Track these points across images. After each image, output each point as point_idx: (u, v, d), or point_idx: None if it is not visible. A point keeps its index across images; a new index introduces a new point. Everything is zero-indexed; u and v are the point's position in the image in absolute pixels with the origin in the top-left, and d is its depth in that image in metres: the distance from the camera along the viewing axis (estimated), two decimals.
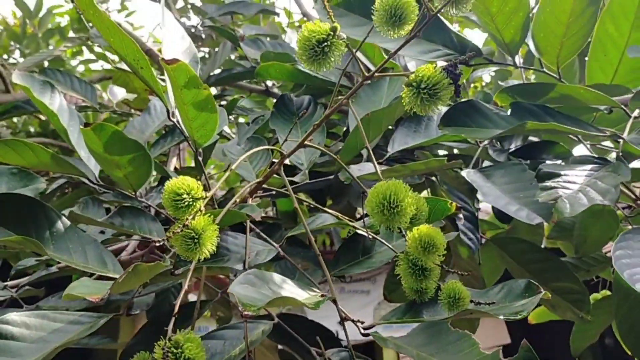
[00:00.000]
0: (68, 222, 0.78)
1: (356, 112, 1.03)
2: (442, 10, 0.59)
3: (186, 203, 0.57)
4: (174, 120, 0.86)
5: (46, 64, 3.58)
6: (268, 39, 1.54)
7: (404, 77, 0.61)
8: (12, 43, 4.09)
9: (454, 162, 0.89)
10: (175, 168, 1.53)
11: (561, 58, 0.94)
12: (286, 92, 1.32)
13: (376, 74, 0.62)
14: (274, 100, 1.13)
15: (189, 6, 3.44)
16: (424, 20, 0.62)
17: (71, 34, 4.10)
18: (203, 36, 3.18)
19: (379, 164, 0.97)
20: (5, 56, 4.02)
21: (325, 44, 0.56)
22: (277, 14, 1.73)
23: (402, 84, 0.59)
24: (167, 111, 0.85)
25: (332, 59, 0.57)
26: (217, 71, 1.56)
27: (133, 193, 0.93)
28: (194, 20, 3.83)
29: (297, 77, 1.11)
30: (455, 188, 1.04)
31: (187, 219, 0.57)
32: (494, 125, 0.81)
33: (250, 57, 1.46)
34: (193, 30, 3.22)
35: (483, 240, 1.31)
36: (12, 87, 3.95)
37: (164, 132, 1.22)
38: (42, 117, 3.88)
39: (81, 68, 4.19)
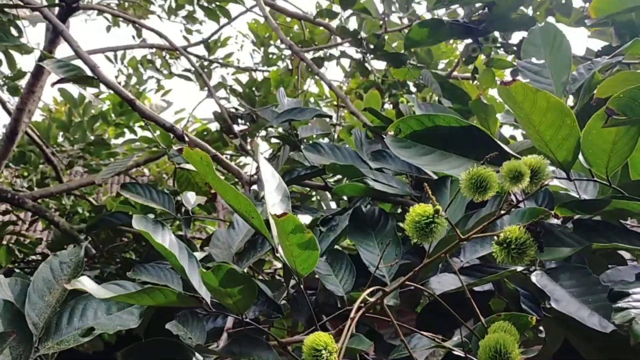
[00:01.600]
0: (201, 357, 0.91)
1: None
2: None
3: (325, 357, 0.69)
4: (279, 255, 0.99)
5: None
6: (326, 139, 1.69)
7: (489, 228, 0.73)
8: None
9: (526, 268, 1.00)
10: None
11: (610, 169, 1.05)
12: (350, 193, 1.45)
13: (473, 236, 0.75)
14: (349, 212, 1.26)
15: (228, 89, 3.66)
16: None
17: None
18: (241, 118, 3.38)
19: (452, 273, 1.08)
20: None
21: (432, 225, 0.69)
22: (331, 117, 1.89)
23: (493, 243, 0.72)
24: (272, 249, 0.99)
25: (438, 234, 0.70)
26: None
27: (240, 316, 1.06)
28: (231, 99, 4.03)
29: (369, 192, 1.25)
30: (523, 287, 1.15)
31: None
32: (562, 244, 0.92)
33: (311, 162, 1.61)
34: (234, 111, 3.43)
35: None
36: (62, 174, 4.19)
37: (248, 241, 1.35)
38: (93, 201, 4.09)
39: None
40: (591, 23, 1.61)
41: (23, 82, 4.43)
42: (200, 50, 4.57)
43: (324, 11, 2.11)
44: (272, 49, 4.50)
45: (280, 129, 1.76)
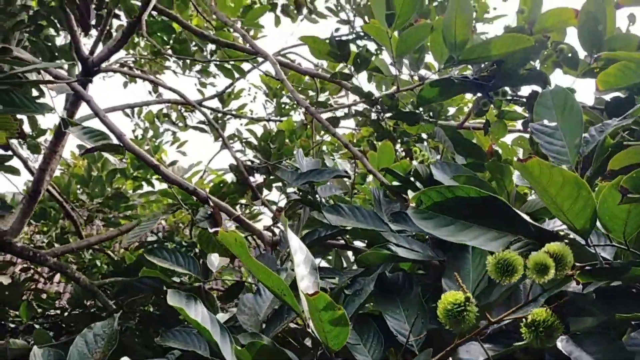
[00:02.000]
0: None
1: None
2: None
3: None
4: (310, 330, 1.02)
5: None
6: (344, 195, 1.73)
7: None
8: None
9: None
10: None
11: (627, 234, 1.08)
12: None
13: (501, 322, 0.78)
14: (374, 277, 1.29)
15: (243, 142, 3.75)
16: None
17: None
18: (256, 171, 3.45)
19: (483, 341, 1.11)
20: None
21: (465, 313, 0.73)
22: (349, 177, 1.94)
23: (522, 325, 0.75)
24: (304, 324, 1.02)
25: (469, 321, 0.74)
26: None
27: None
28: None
29: (393, 259, 1.29)
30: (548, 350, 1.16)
31: None
32: (586, 314, 0.95)
33: (332, 223, 1.65)
34: (249, 163, 3.51)
35: None
36: (82, 229, 4.26)
37: (275, 309, 1.38)
38: (112, 254, 4.14)
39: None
40: (599, 94, 1.67)
41: (42, 139, 4.58)
42: (214, 102, 4.70)
43: (337, 74, 2.19)
44: (284, 99, 4.62)
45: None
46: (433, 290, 1.37)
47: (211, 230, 0.97)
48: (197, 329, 1.09)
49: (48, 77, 2.24)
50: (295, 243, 1.14)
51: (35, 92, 3.54)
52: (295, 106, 4.49)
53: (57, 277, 5.57)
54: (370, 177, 3.00)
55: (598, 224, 1.11)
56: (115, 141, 2.25)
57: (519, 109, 2.38)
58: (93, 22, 2.55)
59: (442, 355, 0.81)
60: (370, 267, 1.47)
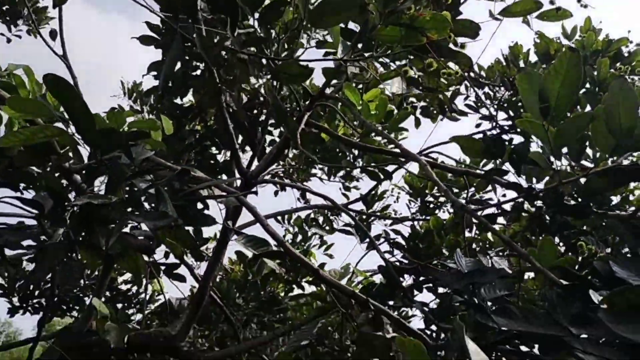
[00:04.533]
0: None
1: None
2: None
3: None
4: None
5: None
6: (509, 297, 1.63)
7: None
8: None
9: None
10: None
11: None
12: None
13: None
14: None
15: (391, 242, 3.77)
16: None
17: None
18: None
19: None
20: None
21: None
22: (515, 277, 1.84)
23: None
24: None
25: None
26: None
27: None
28: None
29: None
30: None
31: None
32: None
33: (501, 326, 1.55)
34: (398, 265, 3.46)
35: None
36: (240, 332, 4.41)
37: None
38: (266, 359, 4.21)
39: None
40: None
41: (204, 247, 4.97)
42: (359, 206, 4.83)
43: (493, 170, 2.15)
44: (428, 198, 4.60)
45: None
46: None
47: (388, 336, 0.95)
48: None
49: (217, 192, 2.47)
50: (473, 347, 1.08)
51: (199, 205, 3.91)
52: (440, 204, 4.45)
53: None
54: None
55: None
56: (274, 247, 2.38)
57: None
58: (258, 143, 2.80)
59: None
60: None
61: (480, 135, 2.54)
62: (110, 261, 2.26)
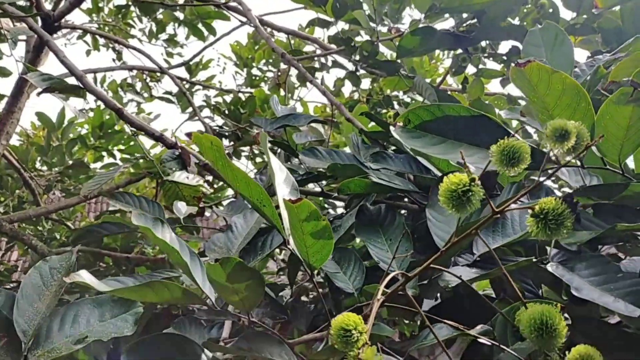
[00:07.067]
0: (210, 354, 0.85)
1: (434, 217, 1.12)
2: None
3: (355, 338, 0.64)
4: (290, 247, 0.94)
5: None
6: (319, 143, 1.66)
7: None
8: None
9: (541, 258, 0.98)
10: None
11: (622, 156, 1.04)
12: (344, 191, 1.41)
13: (505, 210, 0.71)
14: (355, 212, 1.22)
15: (211, 108, 3.63)
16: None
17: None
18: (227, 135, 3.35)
19: (467, 266, 1.05)
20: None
21: (469, 194, 0.66)
22: (325, 122, 1.86)
23: (528, 217, 0.68)
24: (284, 240, 0.94)
25: (474, 204, 0.67)
26: None
27: (247, 316, 1.00)
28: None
29: (373, 188, 1.22)
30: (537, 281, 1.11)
31: (358, 352, 0.64)
32: (583, 228, 0.90)
33: (308, 167, 1.57)
34: (218, 129, 3.39)
35: None
36: (40, 198, 4.07)
37: (247, 245, 1.30)
38: (71, 225, 3.97)
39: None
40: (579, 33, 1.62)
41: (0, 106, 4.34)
42: (181, 73, 4.54)
43: (315, 20, 2.10)
44: (254, 71, 4.50)
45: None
46: (414, 230, 1.31)
47: (185, 135, 0.87)
48: (164, 250, 0.99)
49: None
50: (276, 164, 1.05)
51: None
52: (265, 77, 4.39)
53: (15, 254, 5.35)
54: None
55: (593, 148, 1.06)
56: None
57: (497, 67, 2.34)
58: None
59: (437, 256, 0.74)
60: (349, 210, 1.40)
61: None
62: None
